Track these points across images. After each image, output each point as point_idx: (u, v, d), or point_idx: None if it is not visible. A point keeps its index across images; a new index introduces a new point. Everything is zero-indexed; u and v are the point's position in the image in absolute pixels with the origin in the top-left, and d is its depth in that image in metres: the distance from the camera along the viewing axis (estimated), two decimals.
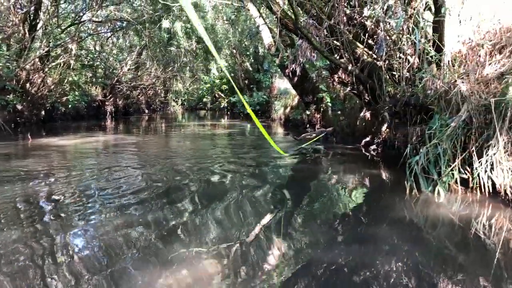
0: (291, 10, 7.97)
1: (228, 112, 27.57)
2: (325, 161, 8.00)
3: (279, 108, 18.68)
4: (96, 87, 21.51)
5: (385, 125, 8.06)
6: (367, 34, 7.63)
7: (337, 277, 2.89)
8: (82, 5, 18.46)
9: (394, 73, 7.11)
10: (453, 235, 3.80)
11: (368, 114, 9.21)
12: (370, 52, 7.90)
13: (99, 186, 5.39)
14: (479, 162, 4.68)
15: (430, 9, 6.85)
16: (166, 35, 24.13)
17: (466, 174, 4.89)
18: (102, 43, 22.81)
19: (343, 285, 2.80)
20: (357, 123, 10.10)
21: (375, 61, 7.71)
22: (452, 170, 4.90)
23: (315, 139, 9.30)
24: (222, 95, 30.19)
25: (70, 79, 18.38)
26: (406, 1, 6.74)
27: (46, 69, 16.22)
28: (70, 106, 18.07)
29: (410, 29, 6.53)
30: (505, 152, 4.45)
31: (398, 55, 6.93)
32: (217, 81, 31.21)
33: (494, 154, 4.52)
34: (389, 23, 7.07)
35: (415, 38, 6.31)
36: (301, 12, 8.60)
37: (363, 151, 8.67)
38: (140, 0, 21.04)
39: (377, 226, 4.04)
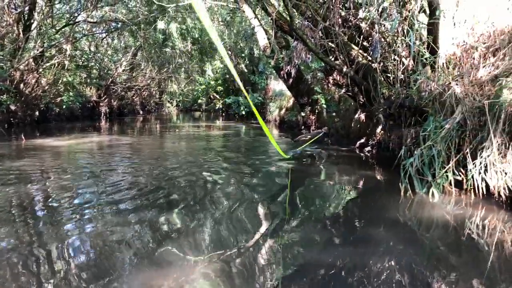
0: (286, 12, 7.99)
1: (223, 114, 27.57)
2: (320, 163, 8.00)
3: (274, 109, 18.69)
4: (90, 88, 21.43)
5: (380, 127, 8.08)
6: (362, 36, 7.66)
7: (332, 279, 2.89)
8: (77, 6, 18.36)
9: (388, 75, 7.14)
10: (447, 237, 3.81)
11: (362, 116, 9.23)
12: (365, 54, 7.92)
13: (93, 188, 5.36)
14: (473, 164, 4.70)
15: (425, 11, 6.89)
16: (161, 36, 24.05)
17: (460, 176, 4.90)
18: (97, 43, 22.72)
19: (338, 287, 2.79)
20: (351, 124, 10.12)
21: (370, 63, 7.74)
22: (446, 172, 4.92)
23: (313, 140, 9.31)
24: (217, 96, 30.17)
25: (65, 79, 18.31)
26: (401, 4, 6.78)
27: (40, 70, 16.14)
28: (64, 106, 17.99)
29: (405, 31, 6.57)
30: (499, 154, 4.46)
31: (393, 57, 6.96)
32: (212, 82, 31.18)
33: (488, 156, 4.54)
34: (384, 25, 7.10)
35: (409, 40, 6.33)
36: (296, 13, 8.61)
37: (358, 153, 8.69)
38: (135, 1, 20.98)
39: (372, 227, 4.04)
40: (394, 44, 6.97)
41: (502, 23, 5.54)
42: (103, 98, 22.24)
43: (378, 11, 6.89)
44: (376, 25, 6.93)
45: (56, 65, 16.89)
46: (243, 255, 3.22)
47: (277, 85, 20.14)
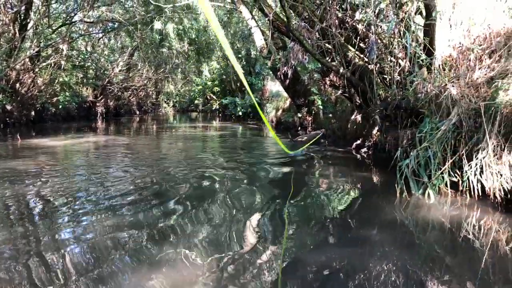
0: (283, 13, 7.99)
1: (220, 114, 27.54)
2: (316, 163, 8.00)
3: (271, 110, 18.69)
4: (87, 88, 21.37)
5: (376, 128, 8.09)
6: (358, 38, 7.67)
7: (327, 280, 2.89)
8: (74, 6, 18.35)
9: (385, 76, 7.15)
10: (443, 238, 3.82)
11: (359, 117, 9.24)
12: (362, 55, 7.94)
13: (89, 188, 5.35)
14: (469, 165, 4.71)
15: (421, 13, 6.91)
16: (158, 36, 24.03)
17: (456, 177, 4.91)
18: (93, 43, 22.67)
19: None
20: (348, 126, 10.13)
21: (366, 64, 7.75)
22: (442, 173, 4.93)
23: (315, 140, 9.33)
24: (214, 97, 30.13)
25: (61, 79, 18.26)
26: (398, 5, 6.79)
27: (37, 69, 16.10)
28: (60, 106, 17.94)
29: (402, 32, 6.58)
30: (494, 156, 4.48)
31: (389, 59, 6.97)
32: (209, 83, 31.14)
33: (484, 157, 4.55)
34: (381, 27, 7.12)
35: (406, 41, 6.35)
36: (293, 14, 8.62)
37: (354, 154, 8.70)
38: (132, 1, 20.95)
39: (367, 228, 4.04)
40: (391, 46, 6.99)
41: (498, 25, 5.55)
42: (100, 98, 22.19)
43: (374, 12, 6.91)
44: (372, 27, 6.95)
45: (53, 65, 16.86)
46: (241, 256, 3.22)
47: (273, 86, 20.14)
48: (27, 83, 15.51)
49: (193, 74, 34.01)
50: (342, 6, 7.72)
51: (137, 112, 28.86)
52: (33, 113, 16.10)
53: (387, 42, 7.16)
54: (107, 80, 22.54)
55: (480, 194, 4.59)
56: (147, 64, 26.18)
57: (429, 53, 6.26)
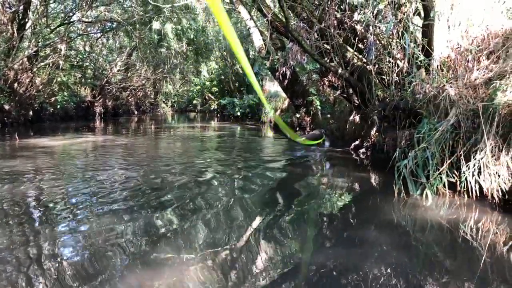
0: (282, 13, 7.99)
1: (218, 115, 27.52)
2: (314, 164, 8.01)
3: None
4: (85, 88, 21.33)
5: (374, 129, 8.10)
6: (357, 38, 7.68)
7: (325, 280, 2.89)
8: (72, 5, 18.31)
9: (383, 77, 7.15)
10: (441, 238, 3.83)
11: (357, 118, 9.25)
12: (360, 56, 7.94)
13: (86, 188, 5.34)
14: (467, 166, 4.72)
15: (419, 14, 6.92)
16: (157, 36, 24.00)
17: (454, 177, 4.92)
18: (91, 43, 22.63)
19: None
20: (346, 126, 10.14)
21: (365, 65, 7.76)
22: (440, 173, 4.94)
23: (322, 139, 9.36)
24: (212, 97, 30.12)
25: (59, 79, 18.22)
26: (396, 6, 6.80)
27: (35, 69, 16.06)
28: (58, 106, 17.91)
29: (400, 33, 6.59)
30: (492, 157, 4.49)
31: (387, 59, 6.98)
32: (207, 83, 31.13)
33: (482, 158, 4.56)
34: (379, 28, 7.13)
35: (404, 42, 6.36)
36: (292, 15, 8.62)
37: (353, 155, 8.71)
38: (131, 1, 20.94)
39: (366, 229, 4.05)
40: (389, 46, 7.00)
41: (496, 26, 5.57)
42: (98, 98, 22.15)
43: (373, 13, 6.91)
44: (371, 27, 6.95)
45: (51, 65, 16.82)
46: (237, 256, 3.22)
47: (272, 86, 20.14)
48: (25, 82, 15.48)
49: (191, 74, 34.01)
50: (341, 6, 7.73)
51: (136, 112, 28.83)
52: (31, 113, 16.07)
53: (386, 43, 7.17)
54: (105, 80, 22.50)
55: (478, 194, 4.60)
56: (145, 64, 26.17)
57: (427, 54, 6.27)
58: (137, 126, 19.54)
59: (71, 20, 18.06)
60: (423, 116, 5.69)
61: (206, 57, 28.43)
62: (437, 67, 5.91)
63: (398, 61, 6.82)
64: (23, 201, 4.73)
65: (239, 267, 3.02)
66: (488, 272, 3.03)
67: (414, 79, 6.14)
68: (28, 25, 15.52)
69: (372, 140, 8.31)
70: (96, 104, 21.94)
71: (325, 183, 6.31)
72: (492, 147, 4.52)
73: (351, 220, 4.39)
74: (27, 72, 15.50)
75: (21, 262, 3.03)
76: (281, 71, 10.50)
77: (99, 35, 23.07)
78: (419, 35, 6.78)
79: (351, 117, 9.81)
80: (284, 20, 8.06)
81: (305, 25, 8.06)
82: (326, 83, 9.98)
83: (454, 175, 4.92)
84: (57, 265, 3.00)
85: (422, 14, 6.63)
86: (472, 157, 4.71)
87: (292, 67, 10.85)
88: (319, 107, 12.56)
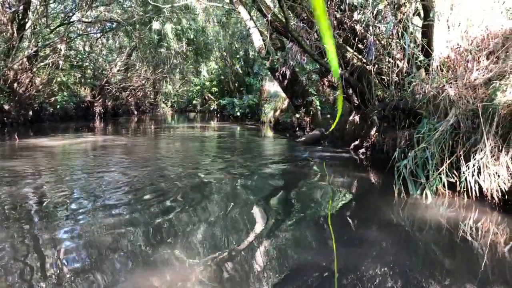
0: (282, 13, 8.00)
1: (218, 115, 27.52)
2: (314, 164, 8.01)
3: (269, 111, 18.70)
4: (85, 88, 21.32)
5: (374, 129, 8.10)
6: (357, 38, 7.68)
7: (325, 280, 2.90)
8: (72, 5, 18.31)
9: (383, 77, 7.16)
10: (440, 239, 3.83)
11: (357, 118, 9.26)
12: (360, 56, 7.95)
13: (86, 189, 5.34)
14: (467, 166, 4.72)
15: (419, 14, 6.93)
16: (156, 36, 24.00)
17: (453, 178, 4.92)
18: (91, 43, 22.63)
19: None
20: (346, 126, 10.14)
21: (364, 65, 7.76)
22: (440, 174, 4.94)
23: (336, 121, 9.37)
24: (212, 97, 30.11)
25: (59, 79, 18.22)
26: (396, 6, 6.80)
27: (35, 69, 16.06)
28: (58, 106, 17.91)
29: (400, 33, 6.59)
30: (492, 157, 4.49)
31: (387, 60, 6.98)
32: (207, 83, 31.11)
33: (481, 158, 4.57)
34: (379, 28, 7.13)
35: (404, 42, 6.36)
36: (291, 15, 8.63)
37: (352, 155, 8.71)
38: (130, 1, 20.94)
39: (366, 229, 4.05)
40: (389, 47, 7.00)
41: (496, 26, 5.57)
42: (98, 98, 22.15)
43: (373, 13, 6.92)
44: (371, 28, 6.96)
45: (50, 65, 16.82)
46: (237, 257, 3.22)
47: (272, 86, 20.13)
48: (25, 82, 15.48)
49: (191, 74, 34.01)
50: (341, 7, 7.73)
51: (135, 112, 28.82)
52: (31, 113, 16.07)
53: (385, 43, 7.18)
54: (105, 80, 22.50)
55: (478, 194, 4.61)
56: (145, 64, 26.16)
57: (427, 54, 6.28)
58: (137, 126, 19.54)
59: (71, 20, 18.06)
60: (423, 116, 5.70)
61: (206, 57, 28.42)
62: (437, 67, 5.92)
63: (398, 61, 6.83)
64: (23, 201, 4.73)
65: (239, 267, 3.02)
66: (488, 272, 3.04)
67: (413, 79, 6.15)
68: (28, 25, 15.52)
69: (372, 140, 8.31)
70: (95, 104, 21.93)
71: (325, 183, 6.31)
72: (492, 147, 4.52)
73: (351, 220, 4.39)
74: (26, 72, 15.50)
75: (21, 262, 3.03)
76: (281, 71, 10.52)
77: (99, 35, 23.09)
78: (418, 35, 6.79)
79: (351, 117, 9.81)
80: (284, 20, 8.07)
81: (304, 25, 8.08)
82: (326, 83, 10.00)
83: (453, 175, 4.93)
84: (57, 265, 3.00)
85: (422, 15, 6.63)
86: (471, 157, 4.71)
87: (292, 67, 10.88)
88: (318, 107, 12.56)
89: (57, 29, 17.74)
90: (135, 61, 26.95)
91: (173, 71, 30.40)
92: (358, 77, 7.79)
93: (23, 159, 7.61)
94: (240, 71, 25.39)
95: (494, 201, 4.41)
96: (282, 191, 5.75)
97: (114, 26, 21.47)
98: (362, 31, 7.51)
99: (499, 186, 4.35)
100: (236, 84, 25.93)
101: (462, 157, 4.83)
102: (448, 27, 6.09)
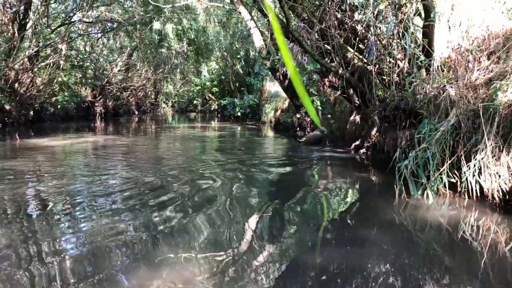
0: (283, 14, 7.99)
1: (218, 115, 27.52)
2: (315, 164, 8.01)
3: (269, 111, 18.69)
4: (85, 88, 21.33)
5: (375, 129, 8.10)
6: (357, 39, 7.68)
7: (326, 280, 2.90)
8: (73, 6, 18.33)
9: (384, 77, 7.15)
10: (441, 239, 3.83)
11: (358, 118, 9.25)
12: (361, 56, 7.94)
13: (87, 188, 5.35)
14: (467, 166, 4.72)
15: (420, 14, 6.92)
16: (157, 36, 24.02)
17: (454, 178, 4.92)
18: (92, 43, 22.65)
19: None
20: (347, 126, 10.14)
21: (365, 65, 7.76)
22: (440, 174, 4.94)
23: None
24: (213, 97, 30.11)
25: (60, 79, 18.23)
26: (397, 6, 6.80)
27: (35, 69, 16.08)
28: (59, 106, 17.92)
29: (400, 34, 6.59)
30: (492, 157, 4.49)
31: (388, 60, 6.98)
32: (207, 83, 31.11)
33: (482, 158, 4.57)
34: (380, 28, 7.13)
35: (405, 43, 6.36)
36: (292, 15, 8.62)
37: (353, 155, 8.71)
38: (131, 1, 20.95)
39: (367, 229, 4.05)
40: (390, 47, 7.00)
41: (497, 26, 5.57)
42: (98, 98, 22.16)
43: (373, 13, 6.91)
44: (371, 28, 6.95)
45: (51, 65, 16.83)
46: (238, 256, 3.22)
47: (272, 86, 20.14)
48: (26, 83, 15.49)
49: (192, 74, 34.01)
50: (341, 7, 7.72)
51: (136, 112, 28.83)
52: (31, 113, 16.08)
53: (386, 43, 7.17)
54: (106, 80, 22.51)
55: (479, 195, 4.60)
56: (146, 64, 26.17)
57: (428, 54, 6.27)
58: (138, 126, 19.54)
59: (72, 20, 18.08)
60: (424, 117, 5.70)
61: (206, 57, 28.42)
62: (438, 68, 5.91)
63: (399, 62, 6.82)
64: (24, 201, 4.74)
65: (239, 267, 3.02)
66: (489, 272, 3.04)
67: (414, 80, 6.15)
68: (28, 25, 15.54)
69: (373, 140, 8.31)
70: (96, 104, 21.94)
71: (326, 183, 6.31)
72: (493, 147, 4.52)
73: (352, 220, 4.39)
74: (27, 72, 15.51)
75: (22, 262, 3.04)
76: (282, 71, 10.51)
77: (99, 35, 23.10)
78: (419, 35, 6.78)
79: (352, 117, 9.81)
80: (284, 20, 8.07)
81: (305, 25, 8.07)
82: (327, 83, 9.98)
83: (454, 175, 4.93)
84: (57, 264, 3.01)
85: (423, 15, 6.63)
86: (472, 157, 4.71)
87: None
88: (319, 107, 12.56)
89: (58, 29, 17.76)
90: (136, 61, 26.96)
91: (173, 71, 30.40)
92: (359, 77, 7.78)
93: (24, 159, 7.62)
94: (241, 71, 25.40)
95: (495, 201, 4.41)
96: (282, 192, 5.75)
97: (115, 26, 21.47)
98: (363, 31, 7.50)
99: (500, 186, 4.35)
100: (237, 84, 25.94)
101: (463, 157, 4.83)
102: (449, 27, 6.08)
